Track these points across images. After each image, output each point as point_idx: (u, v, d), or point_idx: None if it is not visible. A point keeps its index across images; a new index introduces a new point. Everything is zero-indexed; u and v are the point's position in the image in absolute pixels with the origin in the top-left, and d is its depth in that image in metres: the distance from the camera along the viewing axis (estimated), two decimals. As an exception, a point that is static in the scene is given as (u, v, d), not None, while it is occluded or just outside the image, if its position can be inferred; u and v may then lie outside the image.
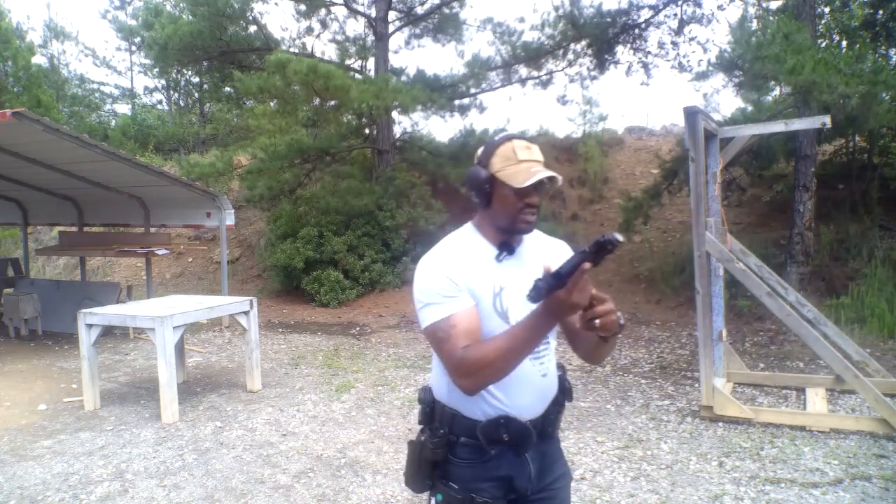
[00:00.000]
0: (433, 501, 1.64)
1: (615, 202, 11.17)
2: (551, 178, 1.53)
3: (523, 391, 1.60)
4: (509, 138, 1.61)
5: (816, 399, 4.87)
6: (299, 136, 11.85)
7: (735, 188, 10.54)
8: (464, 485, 1.60)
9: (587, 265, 1.28)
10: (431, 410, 1.69)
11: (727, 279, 5.56)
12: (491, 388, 1.57)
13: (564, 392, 1.74)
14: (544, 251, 1.74)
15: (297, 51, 11.76)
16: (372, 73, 11.60)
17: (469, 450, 1.61)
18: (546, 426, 1.66)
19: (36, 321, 8.43)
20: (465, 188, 1.69)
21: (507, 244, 1.64)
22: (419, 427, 1.73)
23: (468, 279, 1.57)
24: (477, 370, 1.43)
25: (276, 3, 13.98)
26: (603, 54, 11.42)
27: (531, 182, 1.51)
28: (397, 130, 12.94)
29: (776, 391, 5.29)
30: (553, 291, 1.32)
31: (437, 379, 1.70)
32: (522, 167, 1.55)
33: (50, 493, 3.67)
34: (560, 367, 1.75)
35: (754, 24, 8.16)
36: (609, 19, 10.92)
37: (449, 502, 1.61)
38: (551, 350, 1.70)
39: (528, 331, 1.39)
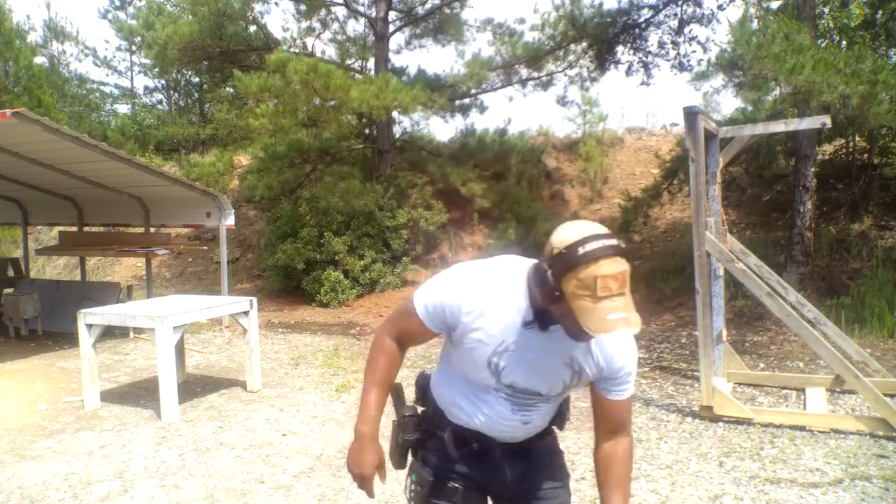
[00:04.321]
0: (408, 481, 1.68)
1: (615, 202, 11.17)
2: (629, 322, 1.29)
3: (503, 430, 1.59)
4: (597, 258, 1.27)
5: (816, 399, 4.87)
6: (299, 136, 11.85)
7: (735, 188, 10.55)
8: (438, 470, 1.63)
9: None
10: (423, 396, 1.72)
11: (727, 279, 5.56)
12: (474, 417, 1.59)
13: (555, 422, 1.70)
14: (586, 345, 1.49)
15: (297, 51, 11.76)
16: (372, 73, 11.60)
17: (442, 444, 1.63)
18: (532, 445, 1.64)
19: (36, 321, 8.43)
20: (528, 280, 1.46)
21: (543, 318, 1.44)
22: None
23: (472, 322, 1.48)
24: (371, 348, 1.69)
25: (276, 3, 13.96)
26: (603, 54, 11.43)
27: (604, 334, 1.29)
28: (397, 130, 12.95)
29: (776, 391, 5.29)
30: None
31: (438, 372, 1.73)
32: (599, 309, 1.27)
33: (50, 493, 3.67)
34: (560, 414, 1.68)
35: (755, 24, 8.17)
36: (609, 19, 10.93)
37: (421, 484, 1.63)
38: (545, 410, 1.62)
39: (361, 407, 1.68)
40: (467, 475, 1.62)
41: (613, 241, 1.31)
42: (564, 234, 1.34)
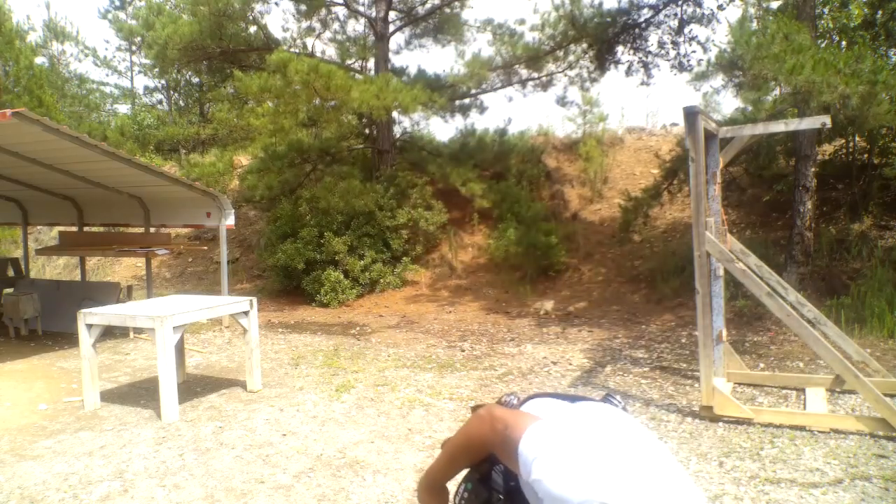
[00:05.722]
0: (462, 487, 1.66)
1: (615, 202, 11.18)
2: None
3: None
4: None
5: (816, 399, 4.87)
6: (299, 136, 11.87)
7: (735, 188, 10.55)
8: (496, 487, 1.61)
9: None
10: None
11: (727, 279, 5.56)
12: None
13: None
14: None
15: (297, 51, 11.77)
16: (372, 73, 11.61)
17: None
18: None
19: (36, 321, 8.43)
20: None
21: None
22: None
23: None
24: (484, 424, 1.52)
25: (276, 3, 13.97)
26: (603, 54, 11.45)
27: None
28: (397, 130, 12.96)
29: (776, 391, 5.29)
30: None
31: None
32: None
33: (50, 493, 3.67)
34: None
35: (755, 24, 8.18)
36: (609, 19, 10.95)
37: (476, 493, 1.61)
38: None
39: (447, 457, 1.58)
40: None
41: None
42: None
